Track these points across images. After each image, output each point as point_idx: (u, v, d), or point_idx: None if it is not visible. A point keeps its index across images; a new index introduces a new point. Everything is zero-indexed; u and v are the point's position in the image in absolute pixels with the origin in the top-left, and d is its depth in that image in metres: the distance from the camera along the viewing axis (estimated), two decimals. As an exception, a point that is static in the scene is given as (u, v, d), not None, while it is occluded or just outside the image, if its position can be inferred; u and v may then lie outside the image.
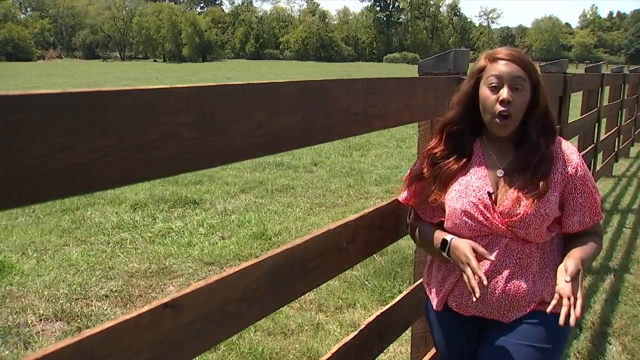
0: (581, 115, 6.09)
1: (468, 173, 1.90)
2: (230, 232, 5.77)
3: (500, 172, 1.87)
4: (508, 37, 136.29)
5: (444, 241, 1.88)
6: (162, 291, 4.29)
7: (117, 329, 1.04)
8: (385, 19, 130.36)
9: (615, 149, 8.99)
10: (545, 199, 1.79)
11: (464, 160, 1.91)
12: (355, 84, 1.70)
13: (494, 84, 1.79)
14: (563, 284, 1.64)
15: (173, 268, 4.73)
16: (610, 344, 3.52)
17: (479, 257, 1.81)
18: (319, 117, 1.54)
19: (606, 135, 7.97)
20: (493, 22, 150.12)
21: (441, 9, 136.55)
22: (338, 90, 1.61)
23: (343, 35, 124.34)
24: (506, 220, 1.80)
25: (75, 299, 4.10)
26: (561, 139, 1.94)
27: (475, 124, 1.90)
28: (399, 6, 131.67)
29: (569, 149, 1.90)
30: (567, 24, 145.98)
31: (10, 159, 0.81)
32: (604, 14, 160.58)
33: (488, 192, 1.84)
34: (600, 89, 6.65)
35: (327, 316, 3.90)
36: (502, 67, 1.79)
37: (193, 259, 4.93)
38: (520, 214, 1.77)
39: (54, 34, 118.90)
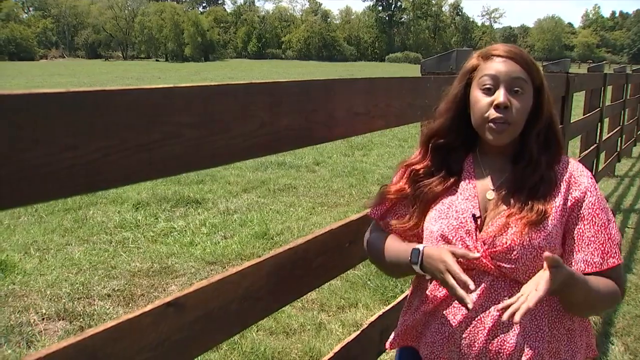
0: (584, 115, 6.10)
1: (455, 192, 1.57)
2: (233, 231, 5.77)
3: (490, 194, 1.54)
4: (510, 36, 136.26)
5: (415, 251, 1.50)
6: (164, 290, 4.30)
7: (120, 328, 1.04)
8: (387, 18, 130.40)
9: (618, 149, 8.98)
10: (540, 228, 1.44)
11: (452, 180, 1.58)
12: (357, 83, 1.70)
13: (487, 86, 1.48)
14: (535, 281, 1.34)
15: (175, 267, 4.73)
16: (612, 344, 3.52)
17: (437, 285, 1.54)
18: (321, 116, 1.54)
19: (609, 135, 7.96)
20: (495, 22, 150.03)
21: (443, 9, 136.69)
22: (340, 89, 1.62)
23: (345, 34, 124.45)
24: (489, 250, 1.46)
25: (78, 298, 4.10)
26: (569, 158, 1.60)
27: (468, 136, 1.58)
28: (401, 6, 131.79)
29: (578, 169, 1.55)
30: (569, 23, 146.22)
31: (14, 158, 0.82)
32: (606, 14, 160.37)
33: (473, 215, 1.51)
34: (602, 88, 6.65)
35: (329, 316, 3.89)
36: (498, 65, 1.49)
37: (195, 259, 4.93)
38: (505, 243, 1.43)
39: (57, 33, 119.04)
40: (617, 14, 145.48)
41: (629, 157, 10.66)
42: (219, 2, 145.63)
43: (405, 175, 1.63)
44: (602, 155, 7.62)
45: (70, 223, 5.93)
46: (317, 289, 1.65)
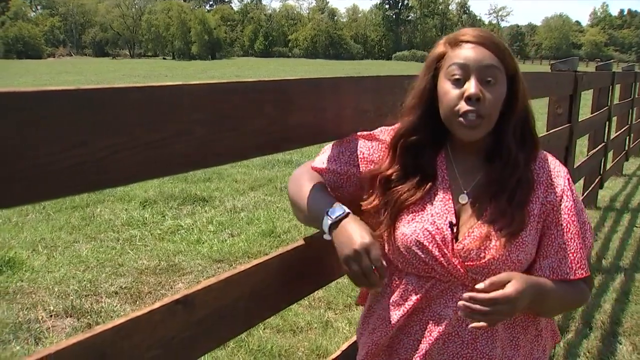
0: (592, 114, 6.07)
1: (429, 194, 1.43)
2: (240, 229, 5.78)
3: (463, 198, 1.40)
4: (518, 35, 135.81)
5: (336, 210, 1.34)
6: (171, 288, 4.31)
7: (129, 325, 1.04)
8: (394, 16, 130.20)
9: (626, 148, 8.95)
10: (519, 239, 1.33)
11: (428, 184, 1.43)
12: (366, 81, 1.70)
13: (456, 76, 1.33)
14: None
15: (182, 265, 4.74)
16: (620, 344, 3.51)
17: (405, 296, 1.42)
18: (329, 114, 1.54)
19: (617, 133, 7.93)
20: (502, 20, 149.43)
21: (450, 7, 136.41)
22: (349, 87, 1.62)
23: (352, 33, 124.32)
24: (466, 263, 1.34)
25: (85, 296, 4.12)
26: (546, 154, 1.47)
27: (438, 132, 1.43)
28: (408, 4, 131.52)
29: (556, 169, 1.43)
30: (577, 22, 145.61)
31: (25, 155, 0.82)
32: (614, 12, 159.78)
33: (450, 223, 1.37)
34: (611, 87, 6.62)
35: (336, 314, 3.90)
36: (467, 52, 1.33)
37: (202, 257, 4.94)
38: (485, 258, 1.32)
39: (64, 31, 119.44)
40: (625, 12, 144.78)
41: (637, 156, 10.61)
42: (226, 0, 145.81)
43: (376, 186, 1.45)
44: (610, 154, 7.60)
45: (78, 220, 5.95)
46: (324, 287, 1.65)
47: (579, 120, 4.58)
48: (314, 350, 3.40)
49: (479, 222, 1.36)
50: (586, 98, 5.76)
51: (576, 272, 1.37)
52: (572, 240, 1.37)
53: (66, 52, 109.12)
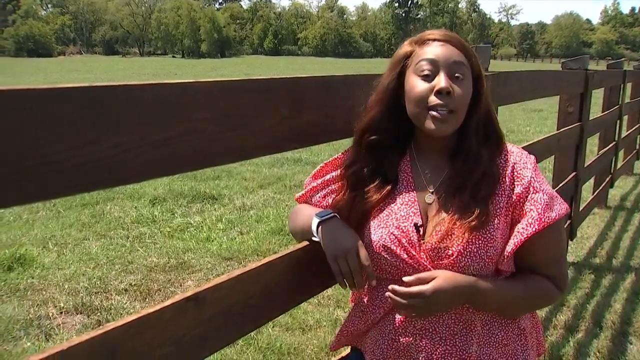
0: (602, 113, 6.03)
1: (394, 198, 1.44)
2: (249, 227, 5.79)
3: (429, 197, 1.42)
4: (527, 33, 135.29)
5: (322, 213, 1.43)
6: (180, 286, 4.32)
7: (140, 322, 1.05)
8: (403, 15, 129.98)
9: (637, 147, 8.88)
10: (485, 232, 1.33)
11: (389, 186, 1.44)
12: (377, 79, 1.69)
13: (426, 72, 1.34)
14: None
15: (192, 263, 4.75)
16: (631, 344, 3.48)
17: (381, 297, 1.44)
18: (341, 112, 1.54)
19: (628, 132, 7.88)
20: (512, 19, 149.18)
21: (460, 5, 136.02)
22: (360, 85, 1.61)
23: (361, 31, 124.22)
24: (435, 262, 1.36)
25: (95, 293, 4.13)
26: (511, 146, 1.47)
27: (402, 131, 1.45)
28: (417, 2, 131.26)
29: (521, 161, 1.42)
30: (587, 20, 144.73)
31: (37, 152, 0.82)
32: (625, 10, 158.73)
33: (415, 224, 1.38)
34: (622, 85, 6.58)
35: (345, 312, 3.89)
36: (436, 49, 1.35)
37: (211, 254, 4.94)
38: (452, 255, 1.33)
39: (74, 30, 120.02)
40: (636, 10, 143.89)
41: (648, 155, 10.54)
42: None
43: (342, 182, 1.49)
44: (621, 153, 7.55)
45: (88, 218, 5.98)
46: (334, 285, 1.64)
47: (590, 118, 4.56)
48: (322, 348, 3.40)
49: (444, 219, 1.37)
50: (597, 97, 5.73)
51: (528, 229, 1.35)
52: (525, 230, 1.35)
53: (76, 50, 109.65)
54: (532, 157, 1.46)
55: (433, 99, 1.32)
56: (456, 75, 1.33)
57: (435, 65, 1.33)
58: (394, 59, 1.43)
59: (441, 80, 1.31)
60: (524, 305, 1.44)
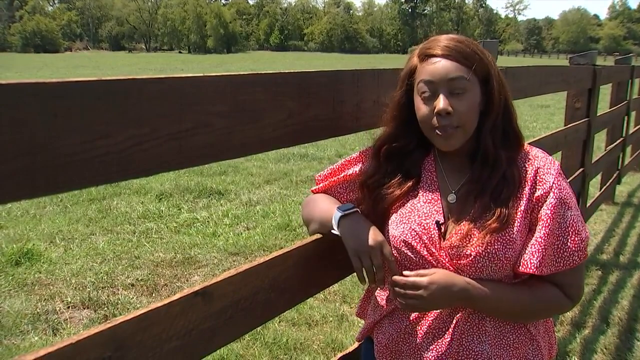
0: (610, 108, 6.01)
1: (417, 195, 1.46)
2: (255, 222, 5.80)
3: (452, 198, 1.43)
4: (535, 29, 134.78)
5: (344, 207, 1.44)
6: (187, 281, 4.33)
7: (149, 316, 1.05)
8: (410, 10, 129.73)
9: (645, 143, 8.84)
10: (504, 235, 1.33)
11: (410, 182, 1.46)
12: (385, 74, 1.69)
13: (426, 93, 1.36)
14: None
15: (198, 258, 4.76)
16: (638, 340, 3.47)
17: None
18: (348, 107, 1.54)
19: (635, 128, 7.84)
20: (519, 14, 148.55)
21: (467, 1, 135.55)
22: (368, 80, 1.61)
23: (368, 27, 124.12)
24: (454, 261, 1.37)
25: (102, 287, 4.15)
26: (535, 150, 1.47)
27: (422, 137, 1.45)
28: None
29: (545, 166, 1.41)
30: (595, 15, 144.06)
31: (49, 146, 0.82)
32: (633, 5, 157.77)
33: (437, 222, 1.39)
34: (630, 81, 6.55)
35: (351, 307, 3.89)
36: (432, 68, 1.35)
37: (218, 249, 4.95)
38: (470, 255, 1.34)
39: (81, 25, 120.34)
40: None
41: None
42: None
43: (364, 191, 1.51)
44: (629, 149, 7.52)
45: (95, 213, 6.00)
46: (340, 281, 1.64)
47: (597, 114, 4.54)
48: (329, 343, 3.41)
49: (464, 220, 1.37)
50: (604, 92, 5.71)
51: (542, 269, 1.35)
52: (548, 237, 1.35)
53: (83, 46, 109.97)
54: (557, 163, 1.44)
55: (435, 121, 1.34)
56: (456, 91, 1.33)
57: (434, 86, 1.34)
58: (402, 75, 1.45)
59: (440, 102, 1.32)
60: (527, 313, 1.43)
